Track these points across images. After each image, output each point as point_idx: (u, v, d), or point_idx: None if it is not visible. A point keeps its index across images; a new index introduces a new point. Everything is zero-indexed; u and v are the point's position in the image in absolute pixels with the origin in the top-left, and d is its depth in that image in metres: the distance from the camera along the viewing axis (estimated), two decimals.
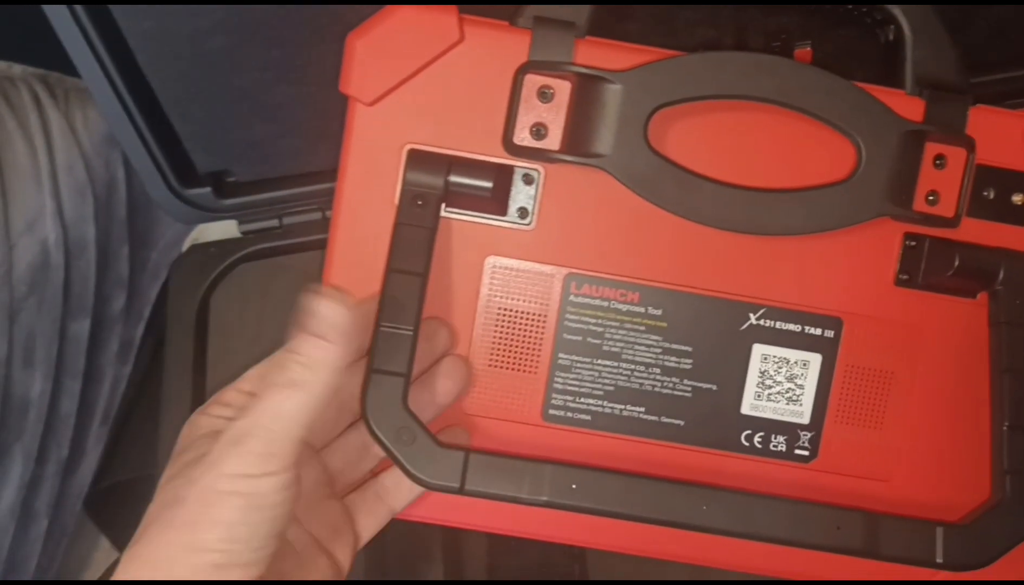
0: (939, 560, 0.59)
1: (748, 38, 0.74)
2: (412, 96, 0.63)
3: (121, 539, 1.09)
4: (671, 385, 0.66)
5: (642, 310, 0.65)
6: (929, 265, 0.65)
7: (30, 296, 0.88)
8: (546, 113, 0.62)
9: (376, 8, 0.63)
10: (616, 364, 0.65)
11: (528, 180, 0.64)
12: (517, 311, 0.65)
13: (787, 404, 0.66)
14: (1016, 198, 0.65)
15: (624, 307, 0.65)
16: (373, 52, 0.63)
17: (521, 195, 0.64)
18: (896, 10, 0.64)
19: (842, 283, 0.65)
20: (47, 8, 0.68)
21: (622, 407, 0.66)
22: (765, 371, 0.66)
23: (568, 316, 0.65)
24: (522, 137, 0.63)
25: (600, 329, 0.65)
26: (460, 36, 0.63)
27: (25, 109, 0.89)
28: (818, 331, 0.66)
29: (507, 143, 0.63)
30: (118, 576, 0.52)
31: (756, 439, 0.66)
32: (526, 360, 0.65)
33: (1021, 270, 0.64)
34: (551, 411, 0.66)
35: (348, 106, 0.64)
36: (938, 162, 0.63)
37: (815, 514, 0.60)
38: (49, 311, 0.90)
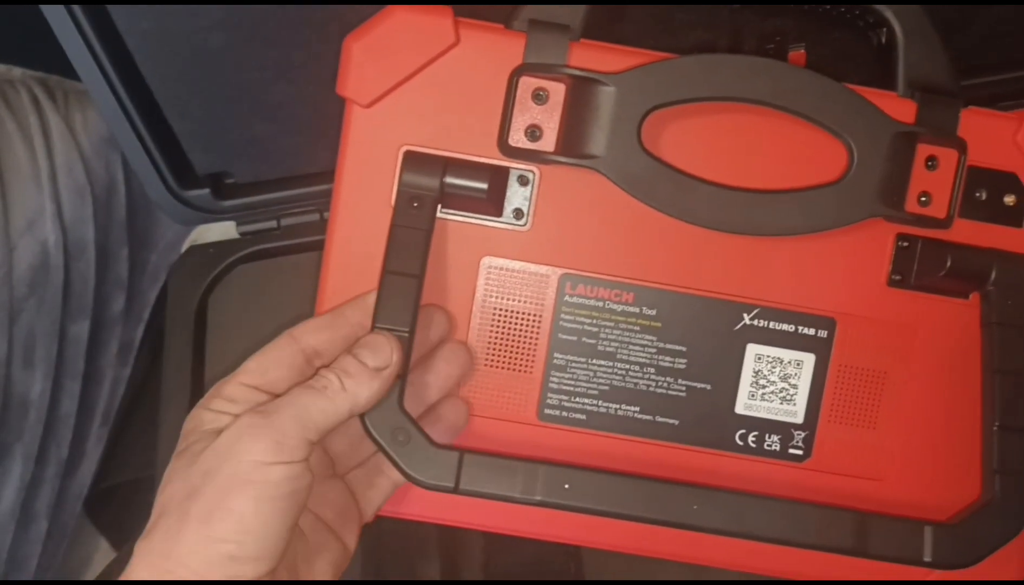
0: (927, 559, 0.60)
1: (743, 41, 0.74)
2: (408, 98, 0.64)
3: (120, 540, 1.09)
4: (665, 385, 0.66)
5: (636, 310, 0.65)
6: (921, 266, 0.65)
7: (30, 297, 0.89)
8: (541, 115, 0.63)
9: (374, 7, 0.63)
10: (611, 364, 0.66)
11: (523, 181, 0.64)
12: (513, 311, 0.66)
13: (781, 404, 0.66)
14: (1008, 199, 0.66)
15: (619, 307, 0.65)
16: (370, 55, 0.63)
17: (516, 196, 0.65)
18: (889, 13, 0.64)
19: (835, 283, 0.66)
20: (45, 9, 0.69)
21: (617, 407, 0.66)
22: (759, 371, 0.66)
23: (563, 316, 0.65)
24: (517, 139, 0.63)
25: (595, 329, 0.66)
26: (456, 39, 0.63)
27: (25, 111, 0.90)
28: (811, 331, 0.66)
29: (502, 145, 0.63)
30: (133, 569, 0.53)
31: (750, 438, 0.66)
32: (522, 360, 0.66)
33: (1013, 271, 0.64)
34: (546, 410, 0.66)
35: (345, 108, 0.64)
36: (930, 163, 0.64)
37: (805, 513, 0.60)
38: (49, 312, 0.90)
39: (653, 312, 0.65)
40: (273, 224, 0.82)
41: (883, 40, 0.66)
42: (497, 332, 0.66)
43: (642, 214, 0.64)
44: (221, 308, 0.83)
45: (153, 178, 0.77)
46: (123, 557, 0.55)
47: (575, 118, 0.63)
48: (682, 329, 0.66)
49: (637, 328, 0.66)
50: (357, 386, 0.57)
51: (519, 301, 0.65)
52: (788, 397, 0.66)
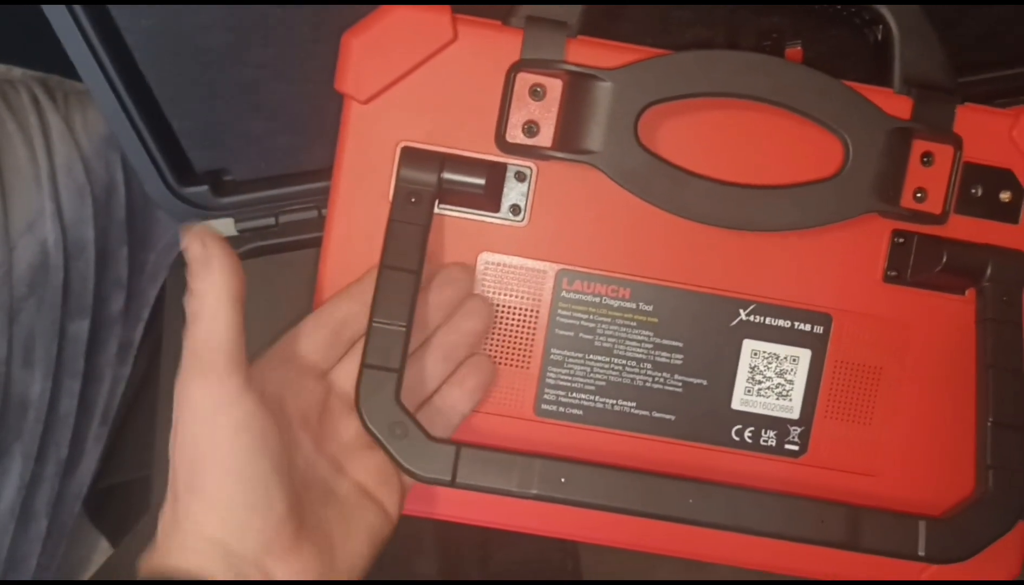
0: (921, 553, 0.60)
1: (740, 38, 0.75)
2: (406, 94, 0.64)
3: (120, 539, 1.09)
4: (662, 380, 0.66)
5: (633, 306, 0.66)
6: (917, 262, 0.66)
7: (30, 296, 0.89)
8: (538, 111, 0.63)
9: (372, 7, 0.64)
10: (608, 359, 0.66)
11: (520, 177, 0.65)
12: (510, 307, 0.66)
13: (777, 399, 0.66)
14: (1003, 195, 0.66)
15: (615, 303, 0.66)
16: (368, 51, 0.63)
17: (513, 192, 0.65)
18: (885, 10, 0.65)
19: (831, 279, 0.66)
20: (46, 8, 0.69)
21: (613, 402, 0.66)
22: (755, 366, 0.66)
23: (560, 312, 0.66)
24: (514, 134, 0.63)
25: (592, 325, 0.66)
26: (454, 35, 0.63)
27: (25, 111, 0.90)
28: (807, 327, 0.66)
29: (500, 141, 0.64)
30: (159, 544, 0.55)
31: (746, 434, 0.67)
32: (519, 355, 0.66)
33: (1008, 267, 0.65)
34: (543, 406, 0.66)
35: (343, 104, 0.65)
36: (925, 159, 0.64)
37: (799, 507, 0.60)
38: (48, 311, 0.91)
39: (650, 308, 0.66)
40: (271, 221, 0.82)
41: (879, 37, 0.66)
42: (494, 328, 0.66)
43: (639, 210, 0.64)
44: None
45: (152, 175, 0.77)
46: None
47: (572, 114, 0.63)
48: (679, 325, 0.66)
49: (634, 324, 0.66)
50: (202, 293, 0.56)
51: (516, 297, 0.66)
52: (784, 393, 0.66)
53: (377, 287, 0.61)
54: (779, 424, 0.66)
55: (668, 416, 0.66)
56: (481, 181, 0.63)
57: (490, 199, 0.64)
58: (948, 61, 0.65)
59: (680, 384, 0.66)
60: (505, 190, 0.65)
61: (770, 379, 0.66)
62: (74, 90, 0.94)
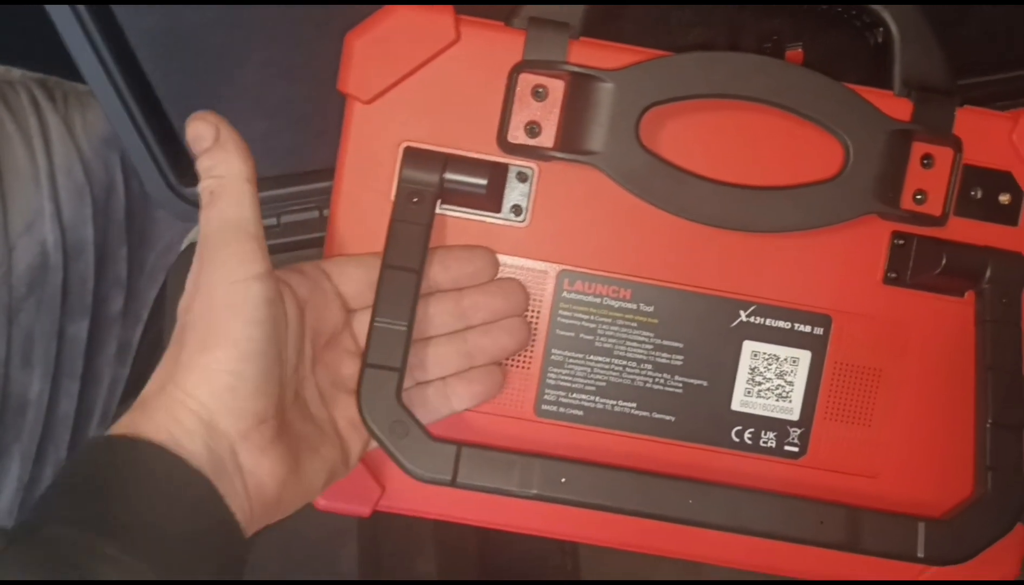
0: (920, 554, 0.60)
1: (740, 39, 0.75)
2: (409, 95, 0.64)
3: None
4: (662, 381, 0.66)
5: (634, 306, 0.66)
6: (917, 263, 0.66)
7: (29, 297, 0.89)
8: (540, 111, 0.63)
9: (375, 6, 0.64)
10: (608, 360, 0.66)
11: (522, 178, 0.65)
12: None
13: (777, 400, 0.67)
14: (1003, 198, 0.66)
15: (616, 303, 0.66)
16: (371, 51, 0.63)
17: (515, 192, 0.65)
18: (885, 13, 0.65)
19: (831, 281, 0.66)
20: (50, 9, 0.69)
21: (614, 403, 0.66)
22: (755, 368, 0.66)
23: (561, 312, 0.66)
24: (516, 135, 0.63)
25: (592, 325, 0.66)
26: (456, 36, 0.63)
27: (24, 112, 0.90)
28: (807, 328, 0.66)
29: (501, 141, 0.64)
30: (146, 398, 0.55)
31: (746, 435, 0.67)
32: (519, 355, 0.66)
33: (1007, 269, 0.65)
34: (544, 406, 0.66)
35: (346, 104, 0.65)
36: (925, 162, 0.64)
37: (799, 509, 0.60)
38: (48, 312, 0.91)
39: (650, 308, 0.66)
40: (273, 221, 0.82)
41: (879, 39, 0.66)
42: None
43: (640, 210, 0.64)
44: None
45: (153, 174, 0.77)
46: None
47: (574, 115, 0.63)
48: (679, 325, 0.66)
49: (634, 324, 0.66)
50: (222, 169, 0.57)
51: None
52: (784, 394, 0.66)
53: (379, 286, 0.61)
54: (779, 425, 0.67)
55: (668, 417, 0.66)
56: (483, 181, 0.63)
57: (492, 199, 0.64)
58: (948, 63, 0.65)
59: (680, 385, 0.66)
60: (507, 190, 0.65)
61: (770, 380, 0.66)
62: (73, 91, 0.94)
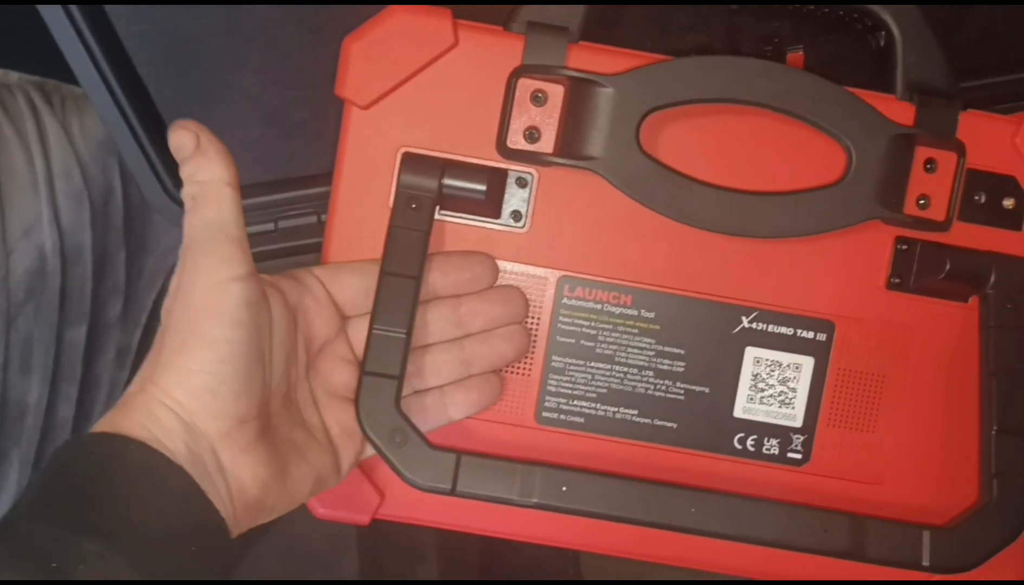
0: (925, 563, 0.60)
1: (740, 43, 0.74)
2: (407, 100, 0.64)
3: None
4: (664, 388, 0.66)
5: (635, 313, 0.65)
6: (920, 268, 0.65)
7: (27, 302, 0.88)
8: (539, 117, 0.63)
9: (373, 9, 0.63)
10: (609, 367, 0.66)
11: (521, 183, 0.64)
12: None
13: (779, 407, 0.66)
14: (1007, 202, 0.66)
15: (617, 310, 0.65)
16: (368, 56, 0.63)
17: (515, 198, 0.64)
18: (887, 16, 0.64)
19: (834, 286, 0.66)
20: (42, 9, 0.69)
21: (615, 410, 0.66)
22: (758, 374, 0.66)
23: (561, 319, 0.65)
24: (515, 140, 0.63)
25: (593, 332, 0.65)
26: (455, 40, 0.63)
27: (22, 116, 0.89)
28: (810, 334, 0.66)
29: (501, 146, 0.63)
30: (128, 398, 0.55)
31: (749, 442, 0.66)
32: (520, 362, 0.66)
33: (1012, 274, 0.64)
34: (544, 413, 0.66)
35: (344, 109, 0.64)
36: (928, 166, 0.64)
37: (802, 517, 0.60)
38: (46, 317, 0.90)
39: (652, 315, 0.65)
40: (271, 226, 0.81)
41: (881, 43, 0.66)
42: None
43: (641, 216, 0.64)
44: None
45: (150, 180, 0.77)
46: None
47: (573, 120, 0.63)
48: (681, 332, 0.66)
49: (636, 331, 0.65)
50: (203, 175, 0.57)
51: None
52: (787, 400, 0.66)
53: (377, 294, 0.60)
54: (782, 432, 0.66)
55: (670, 424, 0.66)
56: (482, 187, 0.63)
57: (491, 205, 0.64)
58: (950, 67, 0.65)
59: (682, 392, 0.66)
60: (506, 196, 0.64)
61: (773, 387, 0.66)
62: (71, 94, 0.94)
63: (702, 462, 0.66)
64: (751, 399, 0.66)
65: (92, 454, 0.52)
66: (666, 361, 0.66)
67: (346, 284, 0.63)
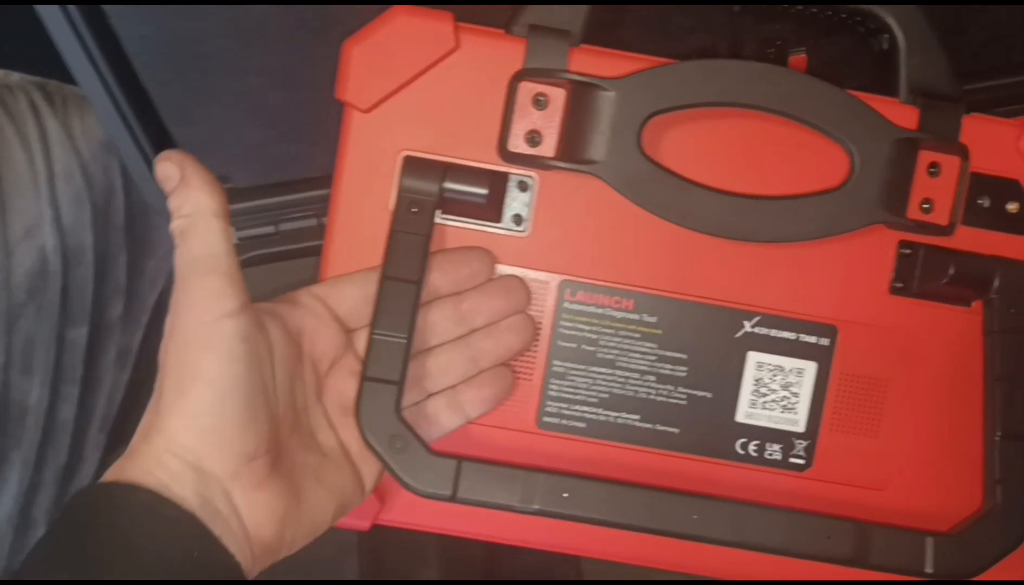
0: (929, 570, 0.59)
1: (742, 45, 0.74)
2: (408, 103, 0.63)
3: None
4: (666, 393, 0.66)
5: (637, 317, 0.65)
6: (924, 273, 0.65)
7: (28, 303, 0.88)
8: (541, 120, 0.62)
9: (374, 11, 0.63)
10: (611, 371, 0.65)
11: (523, 187, 0.64)
12: None
13: (782, 412, 0.66)
14: (1011, 206, 0.65)
15: (619, 314, 0.65)
16: (369, 59, 0.63)
17: (516, 202, 0.64)
18: (890, 19, 0.64)
19: (837, 291, 0.65)
20: (41, 10, 0.68)
21: (617, 415, 0.66)
22: (760, 379, 0.66)
23: (563, 323, 0.65)
24: (517, 144, 0.63)
25: (595, 336, 0.65)
26: (456, 44, 0.63)
27: (23, 116, 0.89)
28: (813, 339, 0.66)
29: (502, 150, 0.63)
30: (134, 449, 0.54)
31: (751, 447, 0.66)
32: (521, 367, 0.65)
33: (1016, 278, 0.64)
34: (545, 418, 0.66)
35: (344, 112, 0.64)
36: (932, 170, 0.63)
37: (805, 523, 0.60)
38: (47, 318, 0.90)
39: (654, 319, 0.65)
40: (271, 229, 0.81)
41: (884, 46, 0.65)
42: None
43: (643, 220, 0.63)
44: None
45: (150, 183, 0.77)
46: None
47: (575, 123, 0.62)
48: (683, 336, 0.65)
49: (637, 335, 0.65)
50: (189, 207, 0.57)
51: None
52: (789, 406, 0.66)
53: (378, 298, 0.60)
54: (784, 437, 0.66)
55: (672, 429, 0.66)
56: (483, 191, 0.62)
57: (492, 209, 0.64)
58: (954, 70, 0.64)
59: (684, 397, 0.66)
60: (507, 200, 0.64)
61: (775, 392, 0.66)
62: (72, 95, 0.94)
63: (704, 467, 0.66)
64: (753, 404, 0.66)
65: (102, 504, 0.52)
66: (668, 366, 0.65)
67: (345, 296, 0.62)
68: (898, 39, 0.64)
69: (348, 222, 0.65)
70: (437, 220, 0.64)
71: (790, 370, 0.66)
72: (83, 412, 0.97)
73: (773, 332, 0.65)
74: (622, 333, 0.65)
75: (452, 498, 0.58)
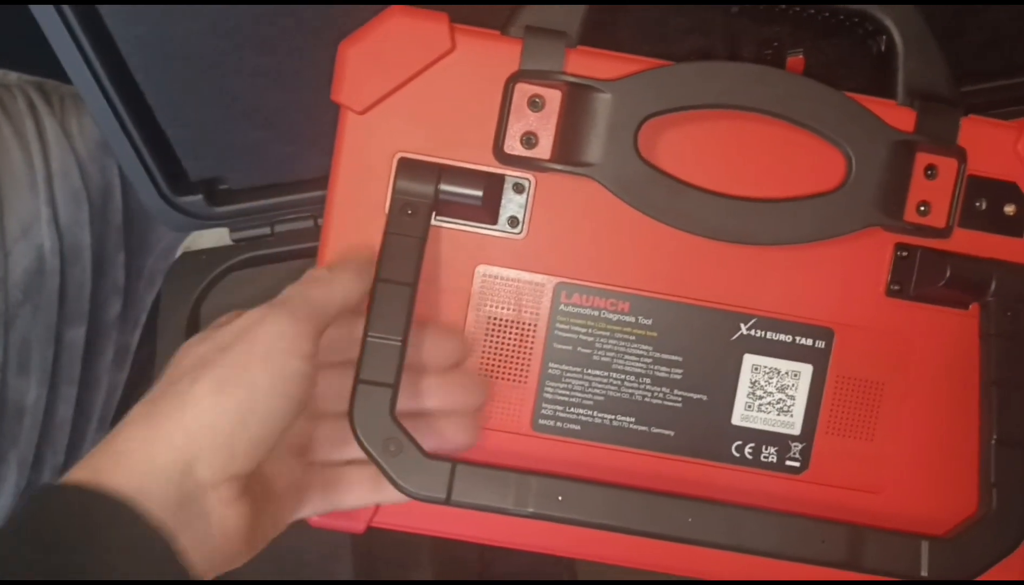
0: (924, 573, 0.59)
1: (740, 46, 0.74)
2: (403, 105, 0.63)
3: None
4: (661, 395, 0.65)
5: (632, 320, 0.65)
6: (921, 276, 0.65)
7: (25, 302, 0.88)
8: (536, 122, 0.62)
9: (370, 13, 0.63)
10: (606, 374, 0.65)
11: (518, 189, 0.64)
12: (507, 320, 0.65)
13: (778, 415, 0.66)
14: (1008, 209, 0.65)
15: (614, 316, 0.65)
16: (364, 61, 0.63)
17: (512, 204, 0.64)
18: (888, 20, 0.64)
19: (833, 293, 0.65)
20: (35, 10, 0.68)
21: (612, 417, 0.65)
22: (756, 381, 0.65)
23: (558, 325, 0.65)
24: (513, 146, 0.63)
25: (590, 339, 0.65)
26: (451, 45, 0.63)
27: (21, 116, 0.89)
28: (809, 341, 0.65)
29: (498, 152, 0.63)
30: (121, 431, 0.54)
31: (747, 450, 0.66)
32: (516, 369, 0.65)
33: (1013, 281, 0.64)
34: (541, 421, 0.65)
35: (339, 114, 0.64)
36: (929, 172, 0.63)
37: (799, 527, 0.60)
38: (44, 317, 0.90)
39: (649, 322, 0.65)
40: (267, 230, 0.81)
41: (882, 48, 0.65)
42: (491, 341, 0.65)
43: (639, 223, 0.63)
44: (214, 315, 0.81)
45: (146, 184, 0.77)
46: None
47: (571, 125, 0.62)
48: (678, 339, 0.65)
49: (633, 338, 0.65)
50: (344, 273, 0.60)
51: (514, 310, 0.65)
52: (785, 408, 0.66)
53: (372, 300, 0.60)
54: (780, 440, 0.66)
55: (667, 431, 0.66)
56: (479, 193, 0.62)
57: (488, 211, 0.64)
58: (952, 73, 0.64)
59: (680, 399, 0.65)
60: (503, 202, 0.64)
61: (771, 394, 0.65)
62: (70, 95, 0.94)
63: (699, 470, 0.66)
64: (749, 406, 0.66)
65: (68, 514, 0.51)
66: (663, 368, 0.65)
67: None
68: (896, 41, 0.64)
69: (344, 224, 0.64)
70: (432, 222, 0.63)
71: (786, 373, 0.65)
72: (81, 412, 0.97)
73: (769, 335, 0.65)
74: (618, 336, 0.65)
75: (446, 501, 0.58)
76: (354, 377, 0.59)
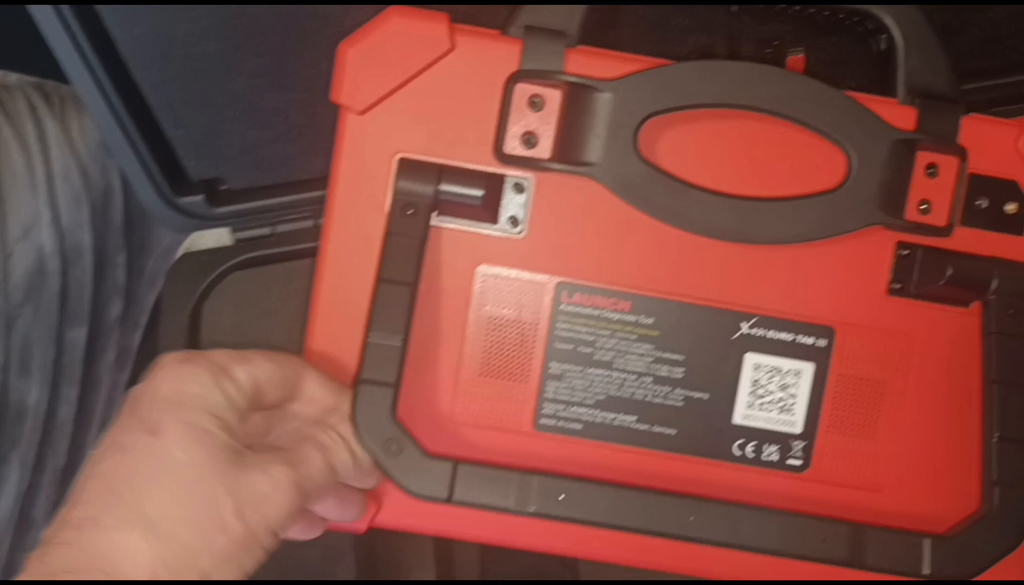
0: (926, 571, 0.59)
1: (740, 45, 0.74)
2: (403, 105, 0.63)
3: None
4: (663, 394, 0.65)
5: (633, 319, 0.65)
6: (922, 274, 0.65)
7: (26, 303, 0.88)
8: (536, 122, 0.62)
9: (369, 13, 0.63)
10: (607, 373, 0.65)
11: (519, 189, 0.64)
12: (508, 320, 0.65)
13: (779, 413, 0.66)
14: (1009, 207, 0.65)
15: (615, 316, 0.65)
16: (364, 61, 0.63)
17: (512, 204, 0.64)
18: (888, 19, 0.64)
19: (834, 292, 0.65)
20: (33, 10, 0.68)
21: (613, 416, 0.65)
22: (757, 380, 0.65)
23: (559, 325, 0.65)
24: (512, 146, 0.63)
25: (591, 338, 0.65)
26: (451, 45, 0.63)
27: (21, 117, 0.89)
28: (810, 340, 0.65)
29: (498, 152, 0.63)
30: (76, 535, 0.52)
31: (748, 449, 0.66)
32: (517, 369, 0.65)
33: (1014, 279, 0.64)
34: (542, 420, 0.65)
35: (339, 114, 0.64)
36: (930, 171, 0.63)
37: (801, 525, 0.60)
38: (45, 318, 0.90)
39: (650, 321, 0.65)
40: (267, 231, 0.81)
41: (883, 46, 0.65)
42: (492, 341, 0.65)
43: (639, 222, 0.63)
44: (215, 315, 0.82)
45: (146, 185, 0.76)
46: None
47: (571, 125, 0.62)
48: (680, 338, 0.65)
49: (634, 337, 0.65)
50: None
51: (515, 309, 0.65)
52: (787, 407, 0.66)
53: (374, 301, 0.60)
54: (781, 439, 0.66)
55: (669, 430, 0.66)
56: (479, 193, 0.62)
57: (488, 211, 0.64)
58: (953, 71, 0.64)
59: (681, 398, 0.65)
60: (503, 202, 0.64)
61: (772, 393, 0.65)
62: (71, 95, 0.94)
63: (701, 468, 0.66)
64: (750, 405, 0.66)
65: None
66: (665, 367, 0.65)
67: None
68: (896, 39, 0.64)
69: (344, 224, 0.64)
70: (432, 222, 0.63)
71: (787, 371, 0.65)
72: (82, 413, 0.97)
73: (770, 333, 0.65)
74: (619, 335, 0.65)
75: (448, 500, 0.58)
76: (355, 378, 0.59)
